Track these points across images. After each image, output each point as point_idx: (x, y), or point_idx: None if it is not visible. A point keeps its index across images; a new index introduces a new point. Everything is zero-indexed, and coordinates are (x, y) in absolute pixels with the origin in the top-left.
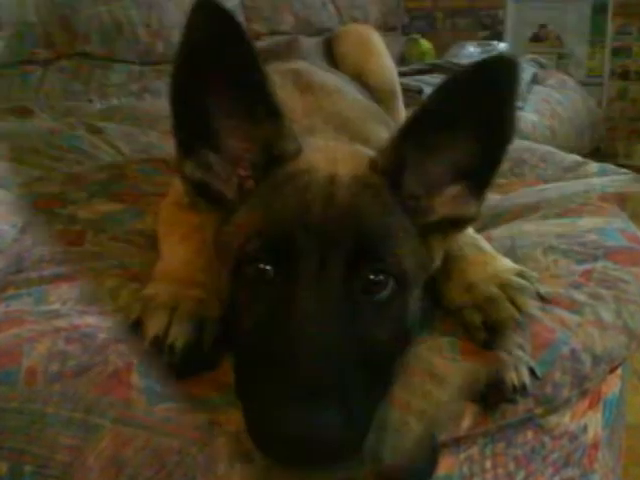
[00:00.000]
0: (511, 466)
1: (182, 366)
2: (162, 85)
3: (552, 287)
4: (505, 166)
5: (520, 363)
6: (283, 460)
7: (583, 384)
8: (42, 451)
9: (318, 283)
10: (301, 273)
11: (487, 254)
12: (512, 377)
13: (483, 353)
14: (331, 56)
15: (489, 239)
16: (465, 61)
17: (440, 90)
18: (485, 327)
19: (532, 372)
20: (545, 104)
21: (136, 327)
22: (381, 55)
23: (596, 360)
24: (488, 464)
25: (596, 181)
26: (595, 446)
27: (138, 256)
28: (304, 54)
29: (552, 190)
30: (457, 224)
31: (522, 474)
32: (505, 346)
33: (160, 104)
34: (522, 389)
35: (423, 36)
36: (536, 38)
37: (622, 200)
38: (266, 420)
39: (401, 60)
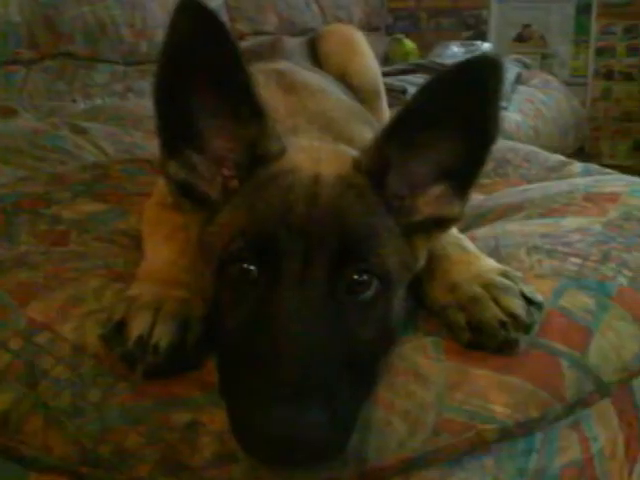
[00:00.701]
0: None
1: (166, 366)
2: (146, 85)
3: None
4: (489, 166)
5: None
6: (267, 460)
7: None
8: None
9: (302, 283)
10: (285, 273)
11: (471, 254)
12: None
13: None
14: (315, 56)
15: (473, 239)
16: (449, 61)
17: (424, 90)
18: (469, 327)
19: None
20: (529, 104)
21: (120, 327)
22: (365, 55)
23: None
24: None
25: (580, 181)
26: None
27: (122, 256)
28: (288, 54)
29: (536, 190)
30: (441, 224)
31: None
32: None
33: (144, 104)
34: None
35: (407, 36)
36: (520, 38)
37: (610, 200)
38: (250, 420)
39: (385, 60)
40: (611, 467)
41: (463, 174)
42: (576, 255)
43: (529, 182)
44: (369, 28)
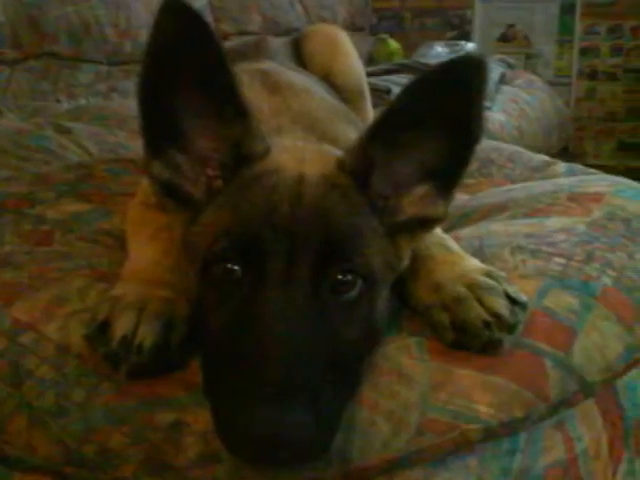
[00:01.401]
0: None
1: (150, 366)
2: (130, 85)
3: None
4: (473, 166)
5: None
6: (251, 460)
7: None
8: None
9: (286, 283)
10: (269, 273)
11: (455, 254)
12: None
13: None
14: (299, 56)
15: (457, 239)
16: (433, 61)
17: (408, 90)
18: (453, 327)
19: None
20: (513, 104)
21: (104, 327)
22: (349, 55)
23: None
24: None
25: (564, 181)
26: None
27: (106, 256)
28: (272, 54)
29: (520, 190)
30: (425, 224)
31: None
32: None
33: (128, 104)
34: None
35: (391, 36)
36: (504, 38)
37: (594, 200)
38: (234, 420)
39: (369, 60)
40: (595, 467)
41: (447, 174)
42: (560, 255)
43: (513, 182)
44: (353, 28)
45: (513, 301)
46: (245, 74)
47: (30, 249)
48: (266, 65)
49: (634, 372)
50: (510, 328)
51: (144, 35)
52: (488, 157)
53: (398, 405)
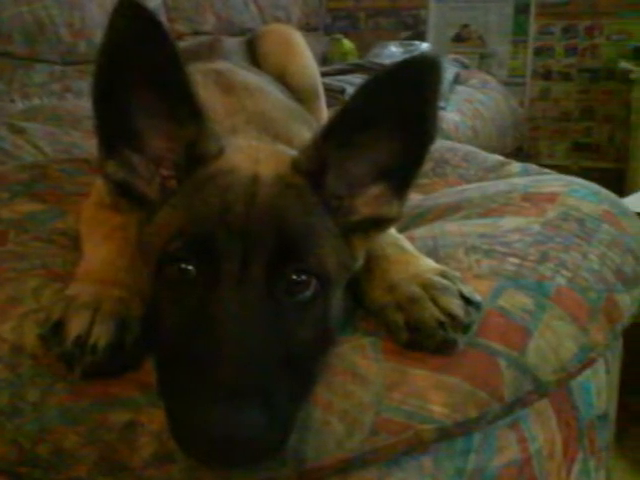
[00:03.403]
0: None
1: (105, 366)
2: (84, 85)
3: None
4: (427, 166)
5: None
6: (206, 460)
7: None
8: None
9: (240, 283)
10: (223, 273)
11: (409, 254)
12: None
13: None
14: (253, 56)
15: (411, 239)
16: (387, 61)
17: (362, 90)
18: (407, 327)
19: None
20: (467, 104)
21: (58, 327)
22: (303, 55)
23: None
24: None
25: (519, 181)
26: None
27: (61, 256)
28: (226, 54)
29: (474, 190)
30: (379, 224)
31: None
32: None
33: (82, 104)
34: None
35: (345, 36)
36: (458, 38)
37: (549, 200)
38: (188, 420)
39: (323, 60)
40: (549, 467)
41: (402, 174)
42: (514, 255)
43: (468, 182)
44: (308, 28)
45: (467, 301)
46: (199, 74)
47: None
48: (220, 65)
49: (588, 372)
50: (464, 328)
51: (98, 35)
52: (442, 157)
53: (352, 405)
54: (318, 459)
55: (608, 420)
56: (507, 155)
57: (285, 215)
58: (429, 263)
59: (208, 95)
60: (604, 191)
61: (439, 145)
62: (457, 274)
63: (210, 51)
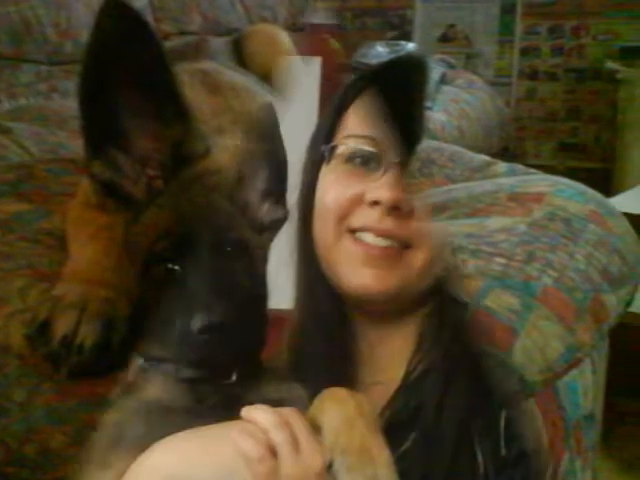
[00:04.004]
0: None
1: (91, 366)
2: (71, 85)
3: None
4: (414, 166)
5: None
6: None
7: None
8: None
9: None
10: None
11: None
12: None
13: None
14: (240, 56)
15: None
16: (374, 61)
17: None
18: None
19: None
20: (454, 104)
21: (45, 327)
22: (289, 55)
23: None
24: None
25: (505, 181)
26: None
27: (47, 256)
28: (213, 54)
29: (461, 190)
30: None
31: None
32: None
33: (69, 104)
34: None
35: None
36: (445, 38)
37: (535, 200)
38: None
39: None
40: None
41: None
42: (501, 255)
43: (454, 182)
44: (294, 28)
45: None
46: (185, 74)
47: None
48: (207, 65)
49: (575, 372)
50: None
51: (85, 35)
52: (429, 157)
53: None
54: None
55: (594, 420)
56: (493, 155)
57: None
58: None
59: (194, 95)
60: (590, 191)
61: (425, 145)
62: None
63: (196, 51)
